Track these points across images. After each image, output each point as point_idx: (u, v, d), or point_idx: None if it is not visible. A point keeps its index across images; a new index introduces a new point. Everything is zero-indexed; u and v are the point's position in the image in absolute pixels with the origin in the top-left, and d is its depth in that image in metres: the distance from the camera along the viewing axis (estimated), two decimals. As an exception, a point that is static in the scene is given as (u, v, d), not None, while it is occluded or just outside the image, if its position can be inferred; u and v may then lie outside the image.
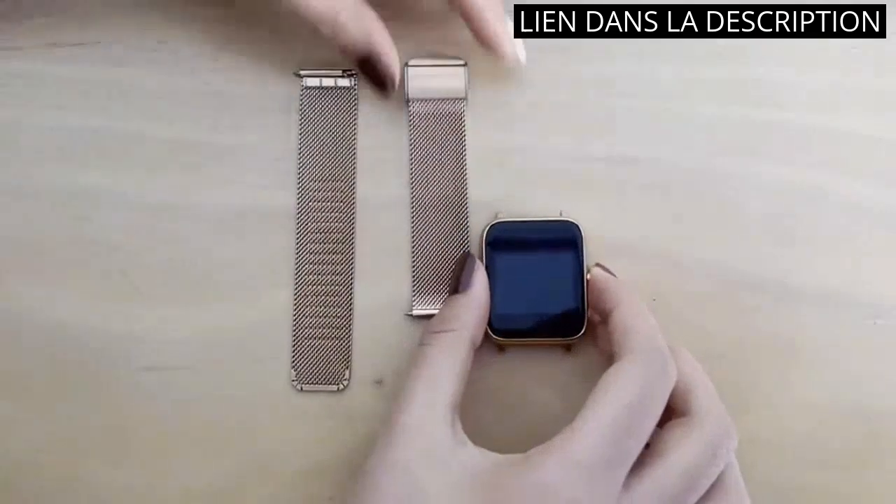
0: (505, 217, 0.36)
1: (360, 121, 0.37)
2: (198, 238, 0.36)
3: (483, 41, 0.36)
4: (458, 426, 0.30)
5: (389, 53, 0.35)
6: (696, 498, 0.28)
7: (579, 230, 0.35)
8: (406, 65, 0.37)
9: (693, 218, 0.36)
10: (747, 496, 0.30)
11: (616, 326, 0.32)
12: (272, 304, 0.36)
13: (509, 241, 0.35)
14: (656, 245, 0.36)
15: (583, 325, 0.34)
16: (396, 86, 0.35)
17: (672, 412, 0.31)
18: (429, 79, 0.37)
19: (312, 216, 0.36)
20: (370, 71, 0.35)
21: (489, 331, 0.34)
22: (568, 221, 0.35)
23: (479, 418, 0.34)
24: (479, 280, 0.34)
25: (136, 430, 0.36)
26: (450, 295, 0.34)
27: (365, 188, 0.37)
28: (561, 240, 0.35)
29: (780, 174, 0.37)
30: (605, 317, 0.33)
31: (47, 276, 0.36)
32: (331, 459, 0.35)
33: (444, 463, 0.28)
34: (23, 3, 0.38)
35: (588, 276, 0.35)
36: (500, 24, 0.35)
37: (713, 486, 0.29)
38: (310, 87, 0.37)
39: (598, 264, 0.35)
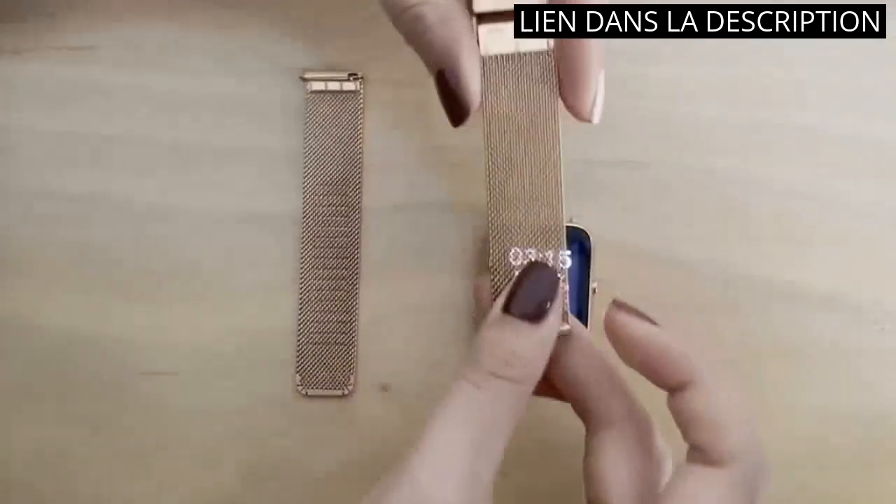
0: None
1: (366, 125, 0.37)
2: (202, 242, 0.36)
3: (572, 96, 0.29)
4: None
5: (470, 73, 0.27)
6: None
7: (589, 238, 0.35)
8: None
9: (699, 221, 0.36)
10: None
11: (695, 412, 0.24)
12: (277, 309, 0.36)
13: None
14: (661, 248, 0.36)
15: None
16: (472, 112, 0.28)
17: (699, 446, 0.24)
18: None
19: (318, 220, 0.36)
20: (443, 89, 0.28)
21: None
22: (578, 228, 0.35)
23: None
24: (557, 311, 0.26)
25: (136, 436, 0.35)
26: (506, 309, 0.25)
27: (371, 193, 0.37)
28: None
29: (787, 176, 0.37)
30: (671, 390, 0.25)
31: (45, 281, 0.36)
32: (336, 464, 0.35)
33: None
34: (22, 6, 0.37)
35: (623, 322, 0.26)
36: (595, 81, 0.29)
37: None
38: (315, 91, 0.37)
39: (617, 302, 0.27)
